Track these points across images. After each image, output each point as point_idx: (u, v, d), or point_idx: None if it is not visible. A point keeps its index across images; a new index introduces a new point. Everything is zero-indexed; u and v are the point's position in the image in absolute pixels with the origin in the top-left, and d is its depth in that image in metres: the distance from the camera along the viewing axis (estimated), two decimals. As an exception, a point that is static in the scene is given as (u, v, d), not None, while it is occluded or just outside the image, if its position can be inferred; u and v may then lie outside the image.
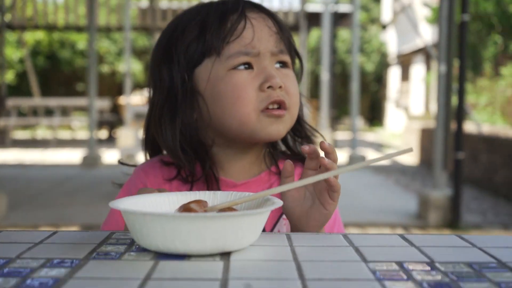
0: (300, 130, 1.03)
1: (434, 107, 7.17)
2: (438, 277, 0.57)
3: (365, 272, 0.59)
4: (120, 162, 1.09)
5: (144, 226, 0.62)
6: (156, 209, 0.72)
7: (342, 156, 8.49)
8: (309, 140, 1.04)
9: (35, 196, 5.60)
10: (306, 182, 0.72)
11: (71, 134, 14.21)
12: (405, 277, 0.57)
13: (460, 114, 4.69)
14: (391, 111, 18.42)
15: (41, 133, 14.16)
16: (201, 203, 0.71)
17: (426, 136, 8.69)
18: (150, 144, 1.03)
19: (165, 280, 0.55)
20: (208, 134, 0.96)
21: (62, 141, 12.40)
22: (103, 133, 12.93)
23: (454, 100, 4.81)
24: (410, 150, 0.69)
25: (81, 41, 16.77)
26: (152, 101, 0.99)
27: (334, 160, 0.81)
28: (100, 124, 11.98)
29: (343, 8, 12.19)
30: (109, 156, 8.71)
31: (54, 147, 11.00)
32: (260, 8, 0.97)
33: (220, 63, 0.92)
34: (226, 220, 0.61)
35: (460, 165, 4.68)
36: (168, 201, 0.74)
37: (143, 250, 0.66)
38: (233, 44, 0.92)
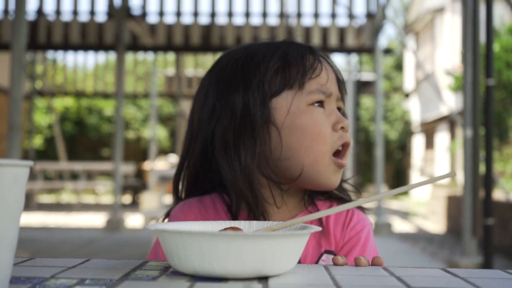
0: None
1: (460, 175, 7.08)
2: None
3: (410, 295, 0.56)
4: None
5: (181, 246, 0.61)
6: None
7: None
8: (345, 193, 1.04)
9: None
10: (340, 209, 0.70)
11: (95, 198, 14.29)
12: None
13: (488, 180, 4.62)
14: (415, 179, 18.24)
15: (66, 197, 14.26)
16: (237, 230, 0.69)
17: (453, 203, 8.54)
18: (188, 182, 1.00)
19: (203, 297, 0.53)
20: (271, 170, 0.93)
21: (86, 205, 12.46)
22: (127, 198, 12.98)
23: (481, 168, 4.76)
24: (453, 174, 0.67)
25: (108, 107, 17.16)
26: (195, 134, 0.97)
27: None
28: (125, 189, 12.06)
29: (366, 76, 12.34)
30: (133, 220, 8.70)
31: (78, 210, 11.05)
32: (327, 57, 1.01)
33: (301, 97, 0.93)
34: (264, 240, 0.60)
35: (490, 232, 4.57)
36: (203, 227, 0.73)
37: (180, 274, 0.65)
38: (313, 81, 0.94)
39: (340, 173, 0.95)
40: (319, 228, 0.67)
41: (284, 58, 0.95)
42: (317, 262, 0.96)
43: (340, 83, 1.00)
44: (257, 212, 0.92)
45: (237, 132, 0.92)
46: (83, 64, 14.17)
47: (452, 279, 0.65)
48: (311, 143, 0.91)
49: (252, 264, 0.60)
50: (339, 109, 0.99)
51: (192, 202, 0.98)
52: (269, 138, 0.92)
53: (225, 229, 0.70)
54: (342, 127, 0.94)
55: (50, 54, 12.80)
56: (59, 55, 12.81)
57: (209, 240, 0.59)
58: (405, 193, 18.85)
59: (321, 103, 0.94)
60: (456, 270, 0.71)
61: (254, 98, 0.92)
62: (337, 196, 1.02)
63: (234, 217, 0.93)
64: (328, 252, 0.97)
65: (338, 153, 0.95)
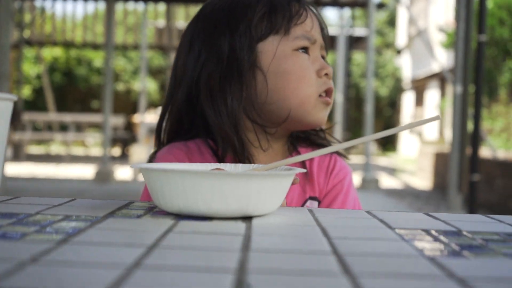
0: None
1: (448, 133, 7.12)
2: (467, 240, 0.56)
3: (391, 234, 0.57)
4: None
5: (166, 184, 0.61)
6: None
7: (355, 179, 8.44)
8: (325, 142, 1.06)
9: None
10: (322, 152, 0.71)
11: (84, 150, 14.28)
12: (432, 239, 0.55)
13: (476, 137, 4.65)
14: (404, 136, 18.34)
15: (55, 148, 14.24)
16: (221, 171, 0.70)
17: (440, 160, 8.62)
18: (171, 128, 1.00)
19: (186, 233, 0.54)
20: (256, 113, 0.95)
21: (76, 157, 12.46)
22: (117, 151, 12.99)
23: (470, 125, 4.78)
24: (437, 117, 0.67)
25: (97, 58, 16.96)
26: (189, 73, 0.96)
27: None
28: (114, 141, 12.04)
29: (358, 31, 12.24)
30: (122, 172, 8.72)
31: (68, 162, 11.05)
32: (311, 5, 1.03)
33: (287, 42, 0.95)
34: (248, 179, 0.60)
35: (475, 187, 4.63)
36: (189, 168, 0.73)
37: (165, 213, 0.65)
38: (299, 27, 0.96)
39: (327, 111, 0.98)
40: (304, 170, 0.68)
41: (271, 3, 0.96)
42: (302, 205, 0.97)
43: (324, 32, 1.01)
44: (242, 156, 0.93)
45: (223, 77, 0.93)
46: (72, 14, 13.91)
47: (433, 221, 0.67)
48: (297, 86, 0.94)
49: (236, 204, 0.61)
50: (322, 57, 1.00)
51: (177, 146, 0.99)
52: (255, 82, 0.94)
53: (211, 170, 0.70)
54: (326, 74, 0.96)
55: (38, 2, 12.55)
56: (47, 4, 12.57)
57: (194, 178, 0.60)
58: (393, 149, 18.98)
59: (305, 50, 0.97)
60: (438, 214, 0.72)
61: (241, 42, 0.93)
62: (319, 143, 1.04)
63: (221, 160, 0.94)
64: (312, 198, 0.99)
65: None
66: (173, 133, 1.01)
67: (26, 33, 11.96)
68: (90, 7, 27.57)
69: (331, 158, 1.03)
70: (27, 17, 12.21)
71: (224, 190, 0.60)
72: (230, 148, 0.93)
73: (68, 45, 13.18)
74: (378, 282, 0.39)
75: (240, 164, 0.76)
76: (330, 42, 1.07)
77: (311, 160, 1.02)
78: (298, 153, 1.02)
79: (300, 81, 0.94)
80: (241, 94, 0.93)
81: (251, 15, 0.95)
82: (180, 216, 0.63)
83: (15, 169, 9.15)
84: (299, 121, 0.95)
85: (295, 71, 0.94)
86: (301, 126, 0.98)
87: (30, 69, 16.32)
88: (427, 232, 0.59)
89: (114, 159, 11.26)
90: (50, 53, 16.79)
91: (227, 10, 0.96)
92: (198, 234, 0.53)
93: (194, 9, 12.83)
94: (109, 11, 7.88)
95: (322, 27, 1.01)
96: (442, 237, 0.56)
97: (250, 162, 0.94)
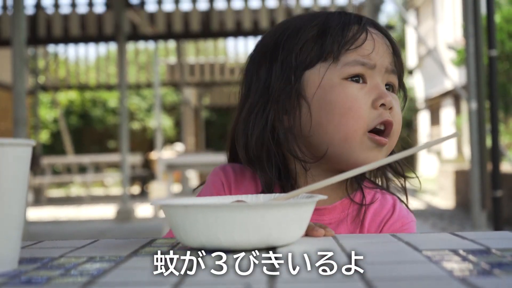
0: (397, 167, 0.95)
1: (467, 150, 7.06)
2: (496, 258, 0.54)
3: (418, 257, 0.56)
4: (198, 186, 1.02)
5: (186, 219, 0.61)
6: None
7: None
8: (400, 177, 0.96)
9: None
10: (345, 177, 0.69)
11: (104, 190, 14.36)
12: (460, 259, 0.54)
13: (495, 153, 4.59)
14: (423, 156, 18.20)
15: (75, 190, 14.33)
16: (242, 202, 0.69)
17: (461, 178, 8.52)
18: (232, 151, 0.97)
19: (210, 268, 0.53)
20: (297, 146, 0.88)
21: (96, 197, 12.52)
22: (136, 189, 13.03)
23: (488, 141, 4.73)
24: (456, 134, 0.67)
25: (112, 99, 17.16)
26: (241, 104, 0.93)
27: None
28: (133, 180, 12.09)
29: (369, 55, 12.27)
30: (142, 210, 8.73)
31: (88, 203, 11.10)
32: (379, 27, 0.94)
33: (335, 69, 0.87)
34: (267, 209, 0.60)
35: (499, 204, 4.56)
36: (209, 202, 0.73)
37: (188, 249, 0.65)
38: (352, 53, 0.87)
39: (379, 152, 0.87)
40: (325, 197, 0.67)
41: (321, 27, 0.89)
42: None
43: (396, 56, 0.91)
44: (287, 186, 0.88)
45: (261, 105, 0.89)
46: (84, 57, 14.17)
47: (460, 241, 0.65)
48: (341, 120, 0.85)
49: (257, 235, 0.60)
50: (390, 85, 0.91)
51: (234, 166, 0.96)
52: (299, 113, 0.87)
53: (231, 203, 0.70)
54: (382, 104, 0.86)
55: (51, 48, 12.79)
56: (60, 49, 12.80)
57: (213, 212, 0.59)
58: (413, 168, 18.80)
59: (361, 77, 0.88)
60: (464, 233, 0.71)
61: (284, 70, 0.88)
62: (381, 187, 0.95)
63: (269, 189, 0.89)
64: None
65: (378, 134, 0.87)
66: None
67: (41, 79, 12.17)
68: (102, 49, 28.06)
69: (392, 204, 0.93)
70: (41, 63, 12.44)
71: (243, 222, 0.59)
72: (275, 178, 0.88)
73: (82, 87, 13.37)
74: (410, 306, 0.38)
75: (262, 195, 0.76)
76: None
77: (368, 206, 0.92)
78: (363, 195, 0.92)
79: (344, 114, 0.85)
80: (287, 124, 0.87)
81: (298, 41, 0.88)
82: (204, 251, 0.63)
83: (36, 214, 9.21)
84: (341, 159, 0.87)
85: (340, 102, 0.85)
86: (344, 166, 0.85)
87: (47, 113, 16.55)
88: (455, 252, 0.58)
89: (133, 197, 11.30)
90: (65, 96, 17.04)
91: (278, 36, 0.91)
92: (222, 269, 0.53)
93: (204, 45, 13.00)
94: (121, 52, 8.01)
95: (394, 50, 0.91)
96: (470, 257, 0.55)
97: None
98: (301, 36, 0.89)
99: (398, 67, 0.93)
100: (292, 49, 0.88)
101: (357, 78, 0.87)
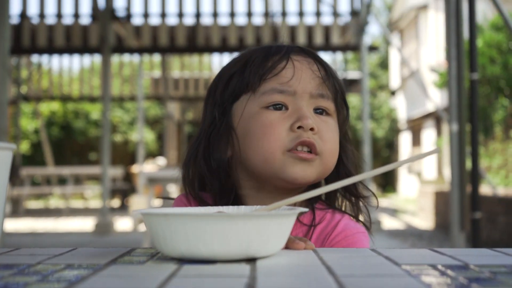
0: (351, 188, 0.97)
1: (447, 171, 7.13)
2: (474, 273, 0.55)
3: (397, 270, 0.56)
4: (162, 197, 1.13)
5: (167, 228, 0.61)
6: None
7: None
8: (360, 198, 0.98)
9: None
10: (325, 190, 0.70)
11: (83, 203, 14.21)
12: (439, 274, 0.55)
13: (475, 175, 4.64)
14: (403, 176, 18.33)
15: (54, 202, 14.17)
16: (222, 213, 0.69)
17: (441, 199, 8.59)
18: (189, 181, 1.00)
19: (190, 277, 0.53)
20: (240, 174, 0.95)
21: (75, 209, 12.38)
22: (116, 202, 12.92)
23: (468, 163, 4.78)
24: (437, 150, 0.67)
25: (94, 111, 17.07)
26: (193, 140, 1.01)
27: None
28: (113, 193, 11.99)
29: (352, 74, 12.38)
30: (122, 224, 8.65)
31: (67, 215, 10.97)
32: (307, 53, 0.96)
33: (254, 99, 0.92)
34: (249, 220, 0.60)
35: (478, 225, 4.60)
36: (189, 211, 0.73)
37: (168, 259, 0.64)
38: (270, 82, 0.92)
39: (308, 165, 0.90)
40: (306, 210, 0.67)
41: (244, 62, 0.95)
42: None
43: (328, 79, 0.94)
44: None
45: (214, 138, 0.96)
46: (68, 68, 14.12)
47: (439, 256, 0.66)
48: (257, 145, 0.90)
49: (237, 246, 0.60)
50: (322, 109, 0.93)
51: (190, 197, 1.01)
52: (232, 143, 0.94)
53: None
54: (300, 126, 0.89)
55: (35, 58, 12.72)
56: (44, 59, 12.72)
57: (194, 221, 0.59)
58: (393, 190, 18.93)
59: (283, 104, 0.91)
60: (443, 250, 0.72)
61: (218, 106, 0.96)
62: (334, 207, 0.98)
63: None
64: None
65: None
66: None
67: (24, 89, 12.07)
68: (86, 60, 27.96)
69: (338, 221, 0.95)
70: (24, 73, 12.35)
71: (224, 232, 0.59)
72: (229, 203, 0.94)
73: (65, 99, 13.29)
74: (388, 317, 0.38)
75: (243, 206, 0.76)
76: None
77: (315, 226, 0.94)
78: (313, 216, 0.94)
79: (260, 139, 0.90)
80: (223, 156, 0.95)
81: (226, 77, 0.96)
82: (183, 261, 0.62)
83: (14, 225, 9.08)
84: (272, 178, 0.91)
85: (255, 130, 0.91)
86: (281, 183, 0.91)
87: (28, 124, 16.40)
88: (434, 267, 0.58)
89: (113, 210, 11.19)
90: (48, 107, 16.92)
91: (218, 74, 1.00)
92: (202, 278, 0.53)
93: (189, 60, 13.03)
94: (105, 64, 7.98)
95: (322, 74, 0.93)
96: (449, 271, 0.56)
97: None
98: (229, 72, 0.96)
99: (332, 90, 0.95)
100: (222, 85, 0.96)
101: (279, 105, 0.91)
